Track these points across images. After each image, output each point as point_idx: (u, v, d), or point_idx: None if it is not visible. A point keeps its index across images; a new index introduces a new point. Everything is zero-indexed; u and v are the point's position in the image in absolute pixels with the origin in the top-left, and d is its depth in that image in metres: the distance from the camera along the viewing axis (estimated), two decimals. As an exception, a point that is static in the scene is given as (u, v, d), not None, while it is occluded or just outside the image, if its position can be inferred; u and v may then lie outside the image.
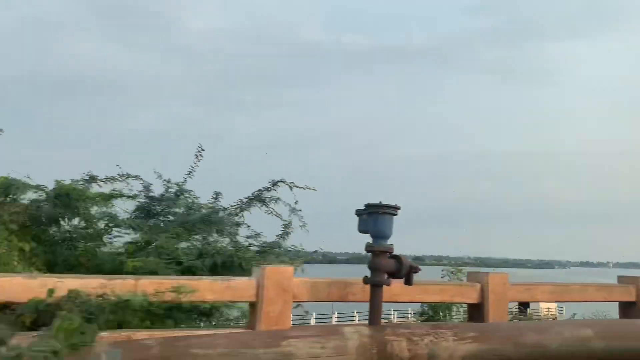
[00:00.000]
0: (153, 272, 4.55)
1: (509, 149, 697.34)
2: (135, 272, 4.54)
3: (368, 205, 2.85)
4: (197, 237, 5.84)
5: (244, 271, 4.90)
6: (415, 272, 2.93)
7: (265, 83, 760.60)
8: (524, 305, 28.94)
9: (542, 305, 44.83)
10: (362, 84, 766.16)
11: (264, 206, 6.42)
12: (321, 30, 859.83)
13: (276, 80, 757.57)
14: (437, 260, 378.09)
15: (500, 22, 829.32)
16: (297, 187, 6.44)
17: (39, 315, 2.46)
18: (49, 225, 5.42)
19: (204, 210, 6.19)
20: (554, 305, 46.15)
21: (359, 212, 2.90)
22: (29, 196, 5.29)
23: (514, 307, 20.70)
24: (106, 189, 5.88)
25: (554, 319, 42.96)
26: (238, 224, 6.30)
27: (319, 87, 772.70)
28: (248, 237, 6.24)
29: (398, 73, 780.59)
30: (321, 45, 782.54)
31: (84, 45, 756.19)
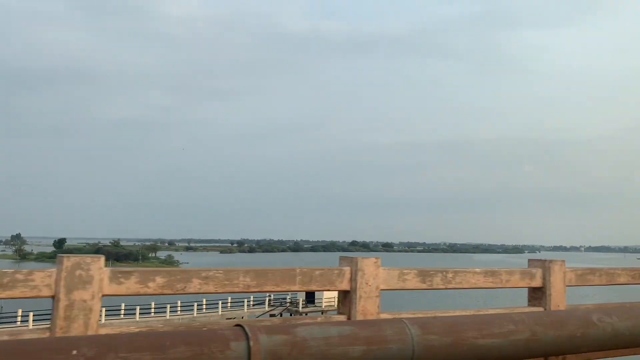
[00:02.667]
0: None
1: (484, 135, 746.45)
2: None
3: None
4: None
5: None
6: None
7: (243, 71, 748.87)
8: (310, 296, 48.66)
9: (327, 294, 42.96)
10: (340, 72, 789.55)
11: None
12: (299, 17, 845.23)
13: (254, 69, 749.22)
14: (409, 247, 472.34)
15: (477, 10, 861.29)
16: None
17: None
18: None
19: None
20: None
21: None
22: None
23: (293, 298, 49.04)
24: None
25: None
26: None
27: (297, 75, 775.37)
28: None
29: (376, 60, 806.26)
30: (299, 32, 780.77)
31: (53, 33, 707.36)
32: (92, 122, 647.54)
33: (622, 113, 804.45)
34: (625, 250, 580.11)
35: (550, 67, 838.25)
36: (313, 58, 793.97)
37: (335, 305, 42.94)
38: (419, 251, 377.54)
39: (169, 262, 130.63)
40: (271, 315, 42.86)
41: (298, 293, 47.41)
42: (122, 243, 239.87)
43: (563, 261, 4.88)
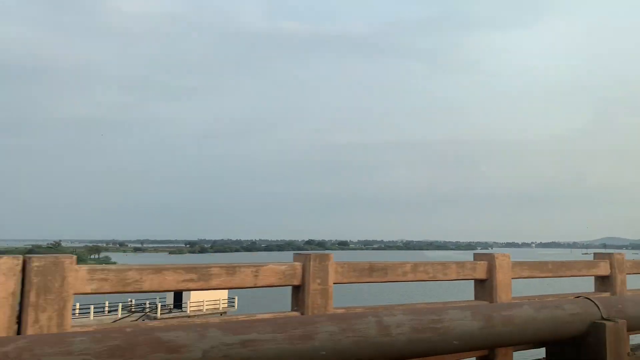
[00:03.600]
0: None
1: (442, 136, 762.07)
2: None
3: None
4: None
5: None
6: None
7: (202, 69, 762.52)
8: (177, 300, 41.72)
9: (194, 297, 38.10)
10: (300, 71, 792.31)
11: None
12: (260, 16, 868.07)
13: (213, 67, 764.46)
14: (365, 245, 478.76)
15: (435, 12, 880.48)
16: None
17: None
18: None
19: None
20: (224, 296, 39.20)
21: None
22: None
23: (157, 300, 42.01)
24: None
25: (221, 314, 37.25)
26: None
27: (257, 74, 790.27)
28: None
29: (336, 60, 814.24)
30: (260, 31, 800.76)
31: (3, 28, 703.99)
32: (45, 119, 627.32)
33: (573, 114, 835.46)
34: (573, 245, 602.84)
35: (506, 68, 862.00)
36: (273, 57, 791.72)
37: (204, 309, 39.37)
38: (374, 249, 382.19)
39: (103, 263, 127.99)
40: (132, 322, 38.04)
41: (167, 296, 43.70)
42: (69, 244, 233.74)
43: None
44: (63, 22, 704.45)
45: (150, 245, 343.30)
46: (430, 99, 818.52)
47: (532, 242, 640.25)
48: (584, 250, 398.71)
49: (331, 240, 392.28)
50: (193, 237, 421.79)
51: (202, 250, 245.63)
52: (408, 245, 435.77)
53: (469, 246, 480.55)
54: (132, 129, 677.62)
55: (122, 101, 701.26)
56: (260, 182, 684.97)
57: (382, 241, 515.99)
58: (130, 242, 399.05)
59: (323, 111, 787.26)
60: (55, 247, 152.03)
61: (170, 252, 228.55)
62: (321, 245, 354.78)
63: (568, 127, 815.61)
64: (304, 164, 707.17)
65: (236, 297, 42.70)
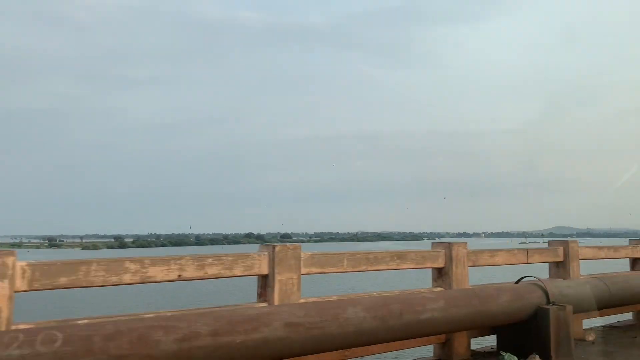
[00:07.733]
0: None
1: (398, 128, 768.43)
2: None
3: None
4: None
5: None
6: None
7: (157, 60, 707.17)
8: None
9: None
10: (257, 63, 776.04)
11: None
12: (217, 5, 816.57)
13: (169, 57, 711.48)
14: (312, 237, 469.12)
15: (395, 4, 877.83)
16: None
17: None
18: None
19: None
20: None
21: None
22: None
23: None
24: None
25: None
26: None
27: (213, 65, 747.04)
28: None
29: (294, 52, 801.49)
30: (216, 21, 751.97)
31: None
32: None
33: (526, 106, 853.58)
34: (523, 235, 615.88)
35: (462, 62, 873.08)
36: (230, 48, 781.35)
37: None
38: (316, 241, 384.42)
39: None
40: None
41: None
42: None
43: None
44: (8, 8, 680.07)
45: (81, 241, 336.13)
46: (388, 91, 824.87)
47: (483, 232, 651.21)
48: (523, 240, 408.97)
49: (271, 233, 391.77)
50: (143, 231, 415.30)
51: (122, 245, 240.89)
52: (353, 238, 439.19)
53: (415, 237, 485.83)
54: (84, 121, 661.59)
55: (73, 92, 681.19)
56: (210, 176, 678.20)
57: (337, 233, 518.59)
58: (72, 237, 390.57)
59: (278, 104, 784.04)
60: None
61: (83, 248, 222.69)
62: (260, 238, 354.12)
63: (521, 119, 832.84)
64: (254, 157, 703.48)
65: None
